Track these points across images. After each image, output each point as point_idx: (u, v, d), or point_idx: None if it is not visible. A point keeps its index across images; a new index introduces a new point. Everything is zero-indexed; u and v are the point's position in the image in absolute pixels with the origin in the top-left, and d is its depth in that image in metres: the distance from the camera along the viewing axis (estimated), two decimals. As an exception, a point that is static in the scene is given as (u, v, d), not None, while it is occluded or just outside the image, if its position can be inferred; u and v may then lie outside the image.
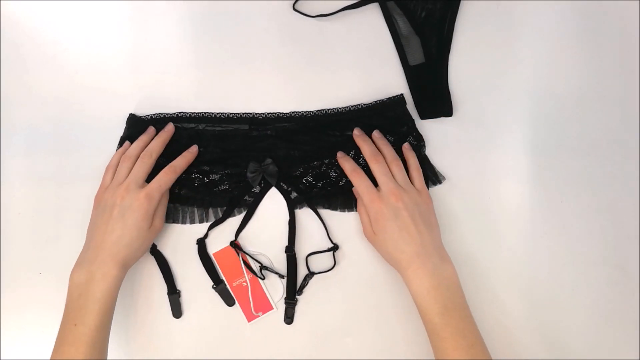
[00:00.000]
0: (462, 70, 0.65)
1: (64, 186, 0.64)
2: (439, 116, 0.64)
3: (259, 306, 0.63)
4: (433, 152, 0.64)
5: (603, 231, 0.64)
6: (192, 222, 0.63)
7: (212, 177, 0.63)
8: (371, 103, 0.64)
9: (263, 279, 0.63)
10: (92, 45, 0.66)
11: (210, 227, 0.63)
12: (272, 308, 0.63)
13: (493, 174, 0.64)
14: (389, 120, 0.64)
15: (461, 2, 0.65)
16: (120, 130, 0.64)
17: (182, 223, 0.63)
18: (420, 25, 0.65)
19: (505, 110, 0.65)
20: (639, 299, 0.64)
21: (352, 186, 0.62)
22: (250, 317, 0.62)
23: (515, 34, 0.66)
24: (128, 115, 0.64)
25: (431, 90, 0.65)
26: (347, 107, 0.64)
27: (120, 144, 0.64)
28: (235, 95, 0.65)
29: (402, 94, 0.64)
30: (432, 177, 0.63)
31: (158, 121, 0.64)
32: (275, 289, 0.63)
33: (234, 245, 0.63)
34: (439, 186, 0.64)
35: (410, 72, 0.65)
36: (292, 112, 0.64)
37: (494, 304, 0.64)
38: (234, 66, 0.65)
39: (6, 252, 0.64)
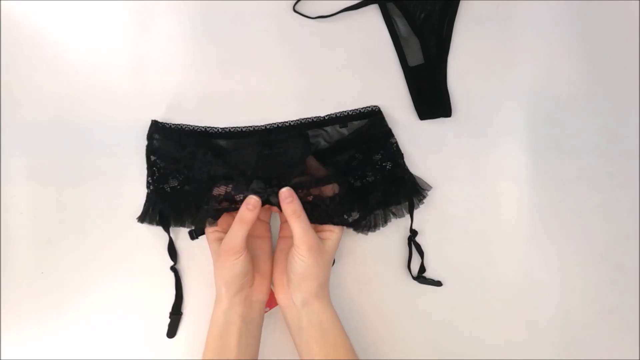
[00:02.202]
0: (461, 70, 0.65)
1: (64, 186, 0.64)
2: (438, 117, 0.64)
3: (266, 302, 0.63)
4: (432, 153, 0.64)
5: (603, 231, 0.64)
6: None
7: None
8: (347, 113, 0.63)
9: None
10: (93, 46, 0.66)
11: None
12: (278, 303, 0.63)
13: (492, 174, 0.64)
14: (370, 138, 0.63)
15: (460, 2, 0.65)
16: (120, 129, 0.64)
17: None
18: (419, 27, 0.65)
19: (505, 110, 0.65)
20: (639, 299, 0.64)
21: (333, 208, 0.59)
22: None
23: (515, 34, 0.66)
24: (150, 121, 0.63)
25: (430, 91, 0.65)
26: (327, 116, 0.63)
27: (148, 153, 0.63)
28: (235, 96, 0.65)
29: (377, 107, 0.63)
30: (412, 196, 0.62)
31: (182, 132, 0.63)
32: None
33: None
34: (438, 186, 0.64)
35: (410, 73, 0.65)
36: (300, 120, 0.64)
37: (493, 304, 0.64)
38: (233, 67, 0.65)
39: (6, 252, 0.64)
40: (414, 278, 0.63)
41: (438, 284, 0.64)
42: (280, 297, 0.58)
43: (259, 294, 0.58)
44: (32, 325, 0.63)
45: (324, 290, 0.58)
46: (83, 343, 0.63)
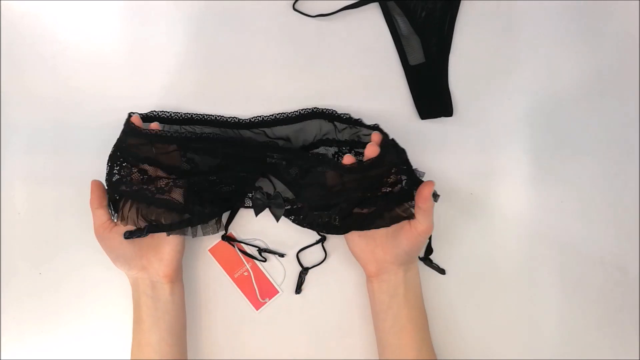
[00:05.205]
0: (462, 70, 0.65)
1: (64, 186, 0.64)
2: (439, 116, 0.64)
3: (264, 292, 0.63)
4: (433, 153, 0.64)
5: (603, 231, 0.64)
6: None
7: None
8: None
9: (264, 260, 0.63)
10: (92, 45, 0.65)
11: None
12: (278, 292, 0.63)
13: (493, 174, 0.64)
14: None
15: (461, 2, 0.65)
16: (119, 129, 0.64)
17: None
18: (420, 25, 0.65)
19: (505, 110, 0.65)
20: (639, 299, 0.64)
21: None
22: (257, 305, 0.62)
23: (515, 34, 0.66)
24: (127, 114, 0.61)
25: (431, 90, 0.64)
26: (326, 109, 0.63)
27: (118, 142, 0.60)
28: (234, 95, 0.65)
29: (377, 124, 0.60)
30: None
31: (163, 120, 0.62)
32: (277, 272, 0.63)
33: (226, 237, 0.63)
34: (439, 186, 0.63)
35: (411, 72, 0.65)
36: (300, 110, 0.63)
37: (493, 304, 0.64)
38: (233, 66, 0.65)
39: (6, 252, 0.64)
40: (420, 259, 0.62)
41: (442, 271, 0.63)
42: (380, 272, 0.59)
43: (157, 276, 0.58)
44: (32, 325, 0.63)
45: None
46: (82, 342, 0.63)
